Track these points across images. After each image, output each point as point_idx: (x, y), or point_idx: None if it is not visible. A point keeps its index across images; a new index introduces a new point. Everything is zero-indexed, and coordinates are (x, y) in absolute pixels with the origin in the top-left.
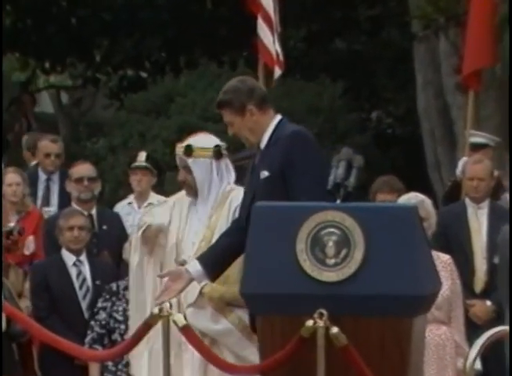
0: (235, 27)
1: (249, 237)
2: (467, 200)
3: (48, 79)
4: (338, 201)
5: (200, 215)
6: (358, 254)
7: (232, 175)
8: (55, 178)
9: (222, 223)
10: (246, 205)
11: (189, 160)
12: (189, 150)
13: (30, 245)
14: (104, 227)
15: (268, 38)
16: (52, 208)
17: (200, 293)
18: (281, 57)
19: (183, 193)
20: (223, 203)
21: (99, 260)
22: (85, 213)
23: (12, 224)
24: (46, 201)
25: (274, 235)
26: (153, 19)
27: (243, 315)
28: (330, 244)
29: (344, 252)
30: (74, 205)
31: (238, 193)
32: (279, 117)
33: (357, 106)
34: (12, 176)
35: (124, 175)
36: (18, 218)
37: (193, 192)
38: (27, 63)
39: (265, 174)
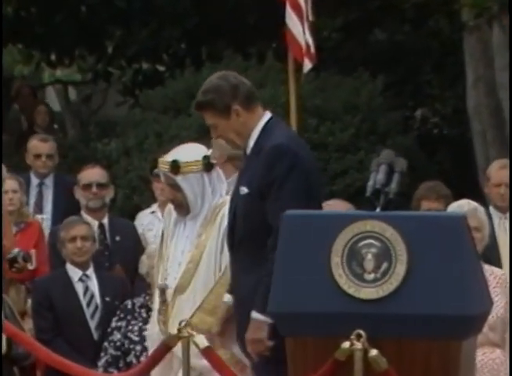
0: (263, 15)
1: (278, 250)
2: (492, 209)
3: (55, 73)
4: (378, 210)
5: (187, 232)
6: (400, 269)
7: (225, 185)
8: (49, 182)
9: (212, 243)
10: (230, 222)
11: (178, 178)
12: (175, 167)
13: (32, 259)
14: (117, 238)
15: (298, 28)
16: (45, 216)
17: (187, 323)
18: (312, 49)
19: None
20: (213, 219)
21: (109, 274)
22: (96, 223)
23: (16, 249)
24: (39, 209)
25: (306, 247)
26: (171, 7)
27: (235, 349)
28: (369, 257)
29: (384, 266)
30: (84, 214)
31: None
32: (267, 115)
33: (399, 103)
34: (8, 183)
35: (138, 180)
36: (17, 230)
37: (185, 210)
38: (31, 56)
39: (244, 190)
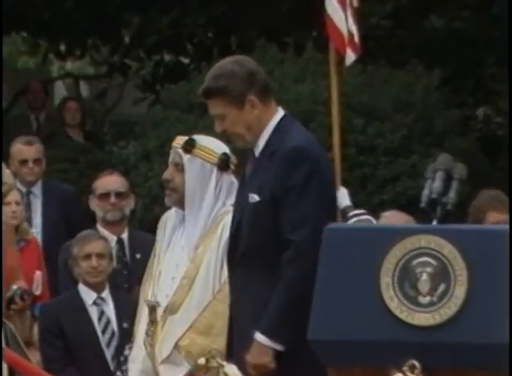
0: None
1: (319, 268)
2: None
3: (64, 66)
4: (434, 223)
5: (184, 242)
6: (459, 291)
7: (232, 199)
8: (37, 190)
9: (210, 257)
10: (232, 234)
11: (186, 157)
12: (189, 145)
13: (38, 283)
14: (137, 256)
15: (339, 14)
16: (35, 230)
17: (176, 346)
18: (356, 38)
19: (171, 212)
20: (213, 230)
21: (127, 297)
22: (114, 238)
23: (14, 287)
24: (28, 221)
25: (352, 265)
26: None
27: (232, 373)
28: (424, 277)
29: (441, 288)
30: (100, 228)
31: None
32: (281, 112)
33: (458, 100)
34: (11, 193)
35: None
36: (17, 249)
37: (177, 198)
38: (37, 46)
39: (254, 198)
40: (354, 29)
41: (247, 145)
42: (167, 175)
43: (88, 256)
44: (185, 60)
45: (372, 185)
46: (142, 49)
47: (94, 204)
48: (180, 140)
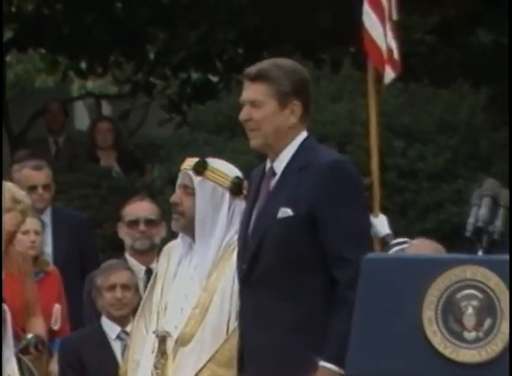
0: (338, 13)
1: (357, 301)
2: None
3: (85, 85)
4: (480, 253)
5: (192, 271)
6: (506, 327)
7: None
8: (46, 218)
9: (225, 286)
10: (253, 252)
11: (197, 180)
12: (201, 167)
13: (57, 317)
14: None
15: (377, 29)
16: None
17: None
18: (396, 55)
19: (176, 241)
20: (227, 257)
21: None
22: (142, 268)
23: (29, 335)
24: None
25: (392, 298)
26: (225, 3)
27: None
28: (469, 311)
29: (488, 323)
30: (128, 257)
31: None
32: (304, 133)
33: (506, 121)
34: (28, 221)
35: None
36: (35, 281)
37: (185, 223)
38: (57, 63)
39: (286, 212)
40: (393, 44)
41: (260, 146)
42: (175, 198)
43: (112, 287)
44: (214, 78)
45: (413, 212)
46: (168, 67)
47: (122, 232)
48: (190, 162)
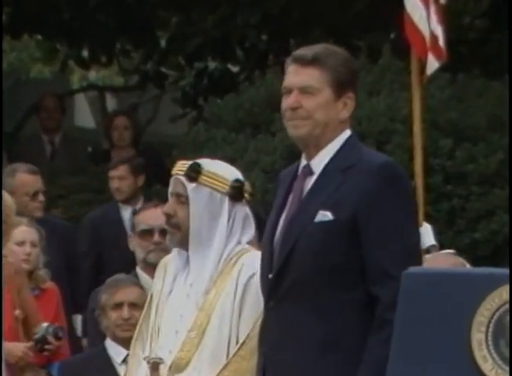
0: None
1: (396, 321)
2: None
3: (87, 76)
4: None
5: (188, 288)
6: None
7: (250, 233)
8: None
9: (225, 304)
10: (269, 264)
11: (191, 186)
12: (194, 171)
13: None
14: None
15: (420, 12)
16: None
17: None
18: (441, 42)
19: (172, 255)
20: (227, 272)
21: None
22: None
23: (43, 324)
24: None
25: (436, 318)
26: None
27: None
28: None
29: None
30: (140, 271)
31: (253, 259)
32: (349, 131)
33: None
34: (25, 231)
35: None
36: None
37: (181, 237)
38: (55, 51)
39: (326, 216)
40: (439, 30)
41: (305, 136)
42: (168, 208)
43: (118, 305)
44: (234, 68)
45: (462, 221)
46: (182, 55)
47: (134, 243)
48: (182, 166)
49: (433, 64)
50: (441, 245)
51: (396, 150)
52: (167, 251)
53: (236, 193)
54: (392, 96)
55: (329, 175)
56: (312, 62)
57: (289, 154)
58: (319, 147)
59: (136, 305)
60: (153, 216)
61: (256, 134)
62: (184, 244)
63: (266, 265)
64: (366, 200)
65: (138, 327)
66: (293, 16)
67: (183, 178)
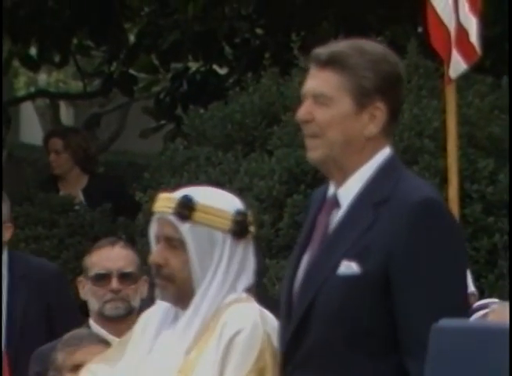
0: None
1: None
2: None
3: (36, 79)
4: None
5: (171, 347)
6: None
7: (248, 279)
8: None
9: (206, 366)
10: (286, 322)
11: (184, 227)
12: (187, 208)
13: None
14: None
15: (445, 5)
16: None
17: None
18: (473, 37)
19: (155, 308)
20: (212, 328)
21: None
22: (116, 339)
23: None
24: None
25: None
26: None
27: None
28: None
29: None
30: (94, 325)
31: (242, 312)
32: (387, 150)
33: None
34: None
35: None
36: None
37: (177, 291)
38: None
39: (351, 268)
40: (471, 22)
41: (319, 160)
42: (156, 257)
43: (75, 368)
44: (221, 70)
45: (505, 262)
46: (155, 54)
47: (85, 291)
48: (167, 201)
49: (459, 66)
50: (482, 292)
51: (424, 173)
52: (128, 301)
53: (240, 229)
54: (420, 105)
55: (358, 211)
56: (328, 63)
57: (289, 178)
58: (345, 173)
59: None
60: (110, 257)
61: (248, 152)
62: (179, 300)
63: (283, 323)
64: (399, 249)
65: None
66: (295, 5)
67: (173, 218)
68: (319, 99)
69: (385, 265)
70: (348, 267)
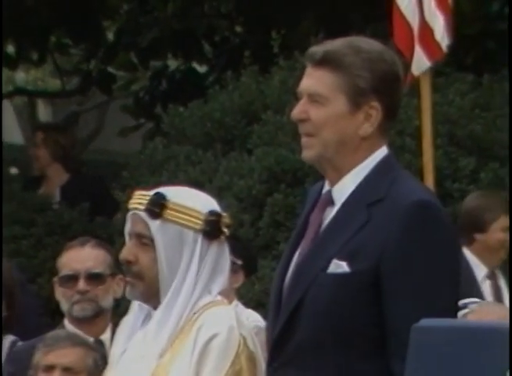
0: None
1: None
2: None
3: (13, 77)
4: None
5: (143, 349)
6: None
7: (223, 280)
8: None
9: (179, 370)
10: (274, 318)
11: (154, 224)
12: (158, 204)
13: None
14: None
15: (409, 2)
16: None
17: None
18: (438, 35)
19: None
20: (187, 331)
21: None
22: (90, 339)
23: None
24: None
25: None
26: None
27: None
28: None
29: None
30: (68, 326)
31: (218, 316)
32: (384, 149)
33: None
34: None
35: None
36: None
37: (146, 288)
38: None
39: (341, 267)
40: (438, 19)
41: (313, 160)
42: (126, 253)
43: (49, 368)
44: (201, 68)
45: None
46: (134, 52)
47: (58, 293)
48: (141, 198)
49: (422, 63)
50: None
51: None
52: (96, 302)
53: (212, 230)
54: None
55: (352, 210)
56: (323, 62)
57: (269, 177)
58: (340, 172)
59: (71, 371)
60: (79, 258)
61: (228, 151)
62: (148, 298)
63: (272, 314)
64: (390, 250)
65: None
66: (275, 3)
67: (144, 215)
68: (314, 98)
69: (376, 265)
70: (339, 266)
